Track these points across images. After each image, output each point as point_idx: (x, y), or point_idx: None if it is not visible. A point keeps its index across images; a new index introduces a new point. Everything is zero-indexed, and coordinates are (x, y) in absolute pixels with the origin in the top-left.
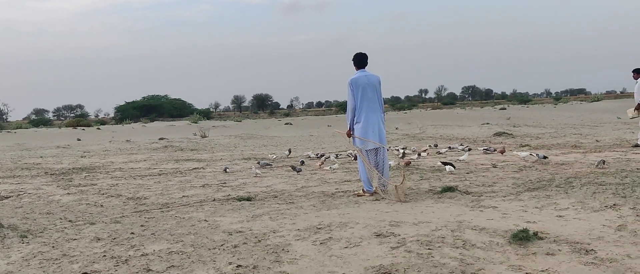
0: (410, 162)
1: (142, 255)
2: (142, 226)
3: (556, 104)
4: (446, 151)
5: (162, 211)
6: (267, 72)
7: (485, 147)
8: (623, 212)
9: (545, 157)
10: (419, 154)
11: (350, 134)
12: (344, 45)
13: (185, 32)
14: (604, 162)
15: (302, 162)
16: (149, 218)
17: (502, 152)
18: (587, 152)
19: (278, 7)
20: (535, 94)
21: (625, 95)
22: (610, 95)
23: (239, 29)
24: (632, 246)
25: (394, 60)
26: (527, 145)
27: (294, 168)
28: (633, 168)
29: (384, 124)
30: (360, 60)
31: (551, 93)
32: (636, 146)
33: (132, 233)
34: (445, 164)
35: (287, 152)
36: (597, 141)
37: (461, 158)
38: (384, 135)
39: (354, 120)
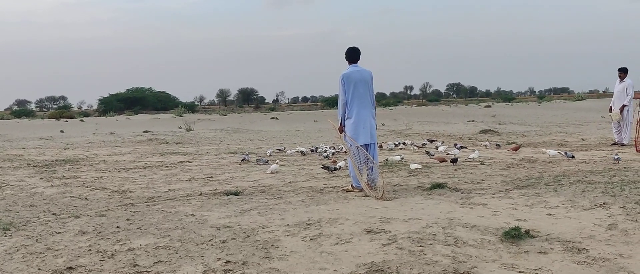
0: (445, 160)
1: (129, 250)
2: (128, 219)
3: (540, 103)
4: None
5: (148, 205)
6: (252, 66)
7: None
8: (613, 211)
9: (573, 157)
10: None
11: (341, 129)
12: (331, 40)
13: (171, 25)
14: (619, 159)
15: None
16: (134, 212)
17: (516, 149)
18: (573, 150)
19: (266, 1)
20: (519, 92)
21: (609, 95)
22: (593, 94)
23: (225, 22)
24: (623, 245)
25: (380, 56)
26: (514, 142)
27: (327, 168)
28: (620, 167)
29: (375, 120)
30: (353, 55)
31: (535, 91)
32: (616, 144)
33: (118, 227)
34: (452, 161)
35: (279, 147)
36: (582, 139)
37: (471, 156)
38: (375, 131)
39: (345, 115)
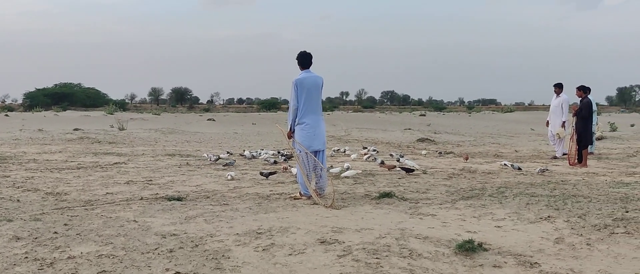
0: (395, 167)
1: (69, 258)
2: (65, 224)
3: (470, 113)
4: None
5: (86, 209)
6: (187, 65)
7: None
8: (558, 224)
9: (520, 169)
10: (398, 160)
11: (290, 135)
12: (268, 43)
13: (104, 20)
14: (545, 170)
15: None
16: (72, 216)
17: (466, 158)
18: (509, 162)
19: (203, 1)
20: (449, 102)
21: (533, 107)
22: (520, 107)
23: (161, 21)
24: (572, 260)
25: (317, 61)
26: (451, 152)
27: (262, 173)
28: (558, 180)
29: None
30: (305, 60)
31: (464, 102)
32: (554, 158)
33: (56, 233)
34: (407, 171)
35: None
36: (516, 150)
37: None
38: (325, 138)
39: (295, 121)
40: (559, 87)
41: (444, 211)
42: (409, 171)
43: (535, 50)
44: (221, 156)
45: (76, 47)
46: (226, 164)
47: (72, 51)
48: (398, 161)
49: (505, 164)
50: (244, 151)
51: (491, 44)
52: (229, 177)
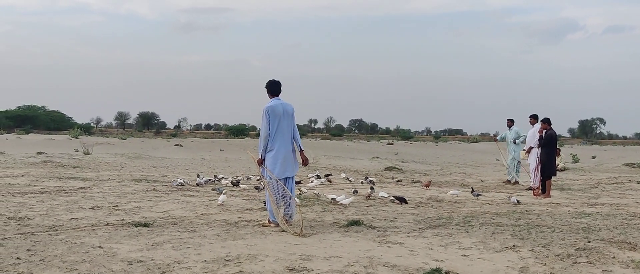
0: (369, 196)
1: None
2: (28, 250)
3: (437, 143)
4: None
5: (50, 235)
6: (154, 90)
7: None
8: (523, 254)
9: (479, 195)
10: (372, 188)
11: (261, 162)
12: (237, 70)
13: (70, 42)
14: (518, 202)
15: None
16: (35, 242)
17: (427, 185)
18: (483, 190)
19: (172, 26)
20: (416, 131)
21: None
22: (485, 137)
23: (129, 44)
24: None
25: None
26: (419, 181)
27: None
28: (523, 210)
29: (296, 153)
30: (275, 88)
31: (431, 131)
32: (507, 182)
33: (18, 258)
34: (399, 199)
35: (203, 178)
36: (482, 180)
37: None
38: (296, 165)
39: (266, 148)
40: (534, 118)
41: (411, 240)
42: (401, 200)
43: (500, 82)
44: (179, 180)
45: (41, 69)
46: (215, 189)
47: (36, 73)
48: (372, 189)
49: (453, 194)
50: (198, 176)
51: (458, 75)
52: (221, 202)
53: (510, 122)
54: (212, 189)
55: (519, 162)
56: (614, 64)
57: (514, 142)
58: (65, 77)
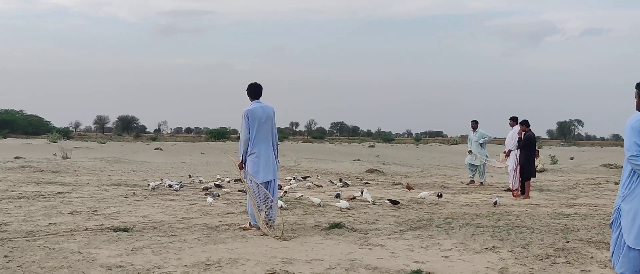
0: (355, 198)
1: None
2: (5, 256)
3: (418, 145)
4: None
5: (28, 240)
6: (134, 94)
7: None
8: (502, 254)
9: (440, 196)
10: (362, 192)
11: (242, 166)
12: (219, 73)
13: (51, 46)
14: (497, 203)
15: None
16: (12, 248)
17: (410, 188)
18: (455, 193)
19: (153, 29)
20: (397, 133)
21: None
22: (465, 139)
23: (108, 47)
24: None
25: (268, 92)
26: (399, 183)
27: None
28: (502, 211)
29: (277, 156)
30: (256, 91)
31: (412, 134)
32: (471, 182)
33: None
34: (392, 202)
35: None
36: (462, 182)
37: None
38: (277, 168)
39: (246, 151)
40: (514, 121)
41: (392, 242)
42: (394, 203)
43: (480, 85)
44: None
45: (19, 73)
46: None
47: (14, 77)
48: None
49: (422, 197)
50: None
51: (438, 78)
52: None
53: (475, 124)
54: (206, 194)
55: (484, 164)
56: (592, 66)
57: (481, 146)
58: (44, 81)
